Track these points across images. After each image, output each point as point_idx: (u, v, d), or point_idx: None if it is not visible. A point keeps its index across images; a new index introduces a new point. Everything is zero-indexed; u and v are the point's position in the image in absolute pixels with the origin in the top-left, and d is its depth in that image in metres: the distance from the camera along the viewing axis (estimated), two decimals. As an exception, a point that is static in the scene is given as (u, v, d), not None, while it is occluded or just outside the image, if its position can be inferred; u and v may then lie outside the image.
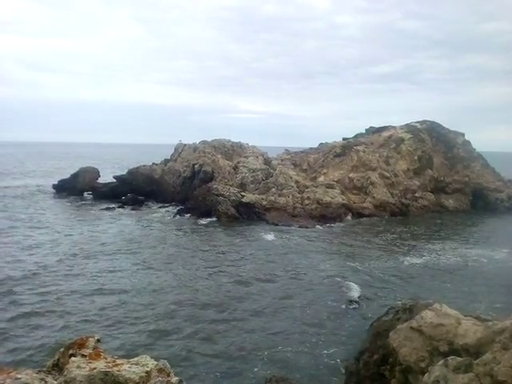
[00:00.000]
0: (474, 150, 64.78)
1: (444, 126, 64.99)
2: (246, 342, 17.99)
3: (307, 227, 42.98)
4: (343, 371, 14.53)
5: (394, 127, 64.58)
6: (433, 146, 60.74)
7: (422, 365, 10.24)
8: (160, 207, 53.20)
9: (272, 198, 50.12)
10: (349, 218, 48.16)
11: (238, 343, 17.83)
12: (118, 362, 5.44)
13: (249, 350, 17.30)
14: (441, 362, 8.66)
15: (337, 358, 16.59)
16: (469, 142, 64.71)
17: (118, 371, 5.10)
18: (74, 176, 62.80)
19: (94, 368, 5.20)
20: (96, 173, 63.90)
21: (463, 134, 64.95)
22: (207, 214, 45.94)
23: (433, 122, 64.79)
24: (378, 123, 67.87)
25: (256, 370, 15.75)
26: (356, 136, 66.71)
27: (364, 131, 68.15)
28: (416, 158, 58.26)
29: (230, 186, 51.18)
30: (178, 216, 46.77)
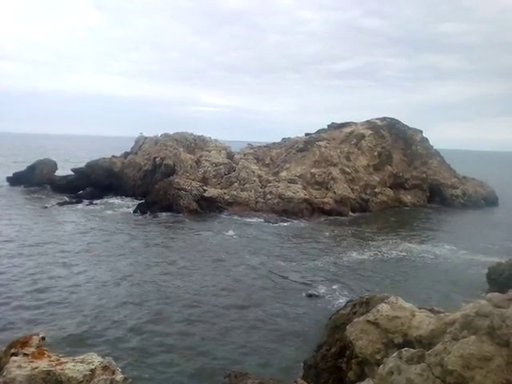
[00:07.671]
0: (432, 146, 66.72)
1: (403, 122, 66.63)
2: (204, 337, 17.84)
3: (268, 222, 43.06)
4: (302, 365, 14.61)
5: (355, 123, 65.59)
6: (392, 143, 62.03)
7: (378, 357, 10.37)
8: (119, 201, 52.07)
9: (234, 193, 49.98)
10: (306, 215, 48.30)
11: (197, 337, 17.67)
12: (63, 360, 5.18)
13: (207, 345, 17.16)
14: (395, 354, 8.78)
15: (296, 352, 16.66)
16: (426, 139, 66.58)
17: (61, 370, 4.85)
18: (31, 168, 60.55)
19: (36, 367, 4.93)
20: (54, 165, 61.91)
21: (421, 131, 66.75)
22: (168, 209, 45.28)
23: (392, 119, 66.17)
24: (339, 119, 68.91)
25: (214, 365, 15.62)
26: (318, 131, 67.32)
27: (326, 127, 68.89)
28: (376, 153, 59.34)
29: (192, 180, 50.69)
30: (137, 211, 45.66)
